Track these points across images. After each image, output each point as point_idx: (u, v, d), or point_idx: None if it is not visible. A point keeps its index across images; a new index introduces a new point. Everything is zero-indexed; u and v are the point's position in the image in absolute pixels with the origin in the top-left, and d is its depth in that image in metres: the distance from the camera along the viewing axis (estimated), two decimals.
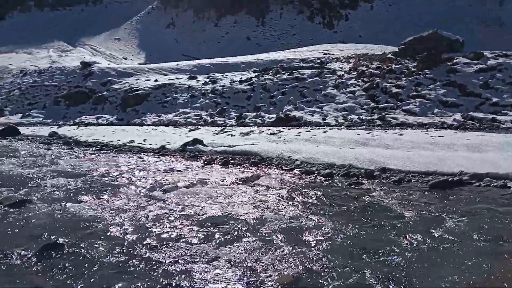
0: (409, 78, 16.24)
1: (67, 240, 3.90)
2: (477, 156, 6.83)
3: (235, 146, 9.66)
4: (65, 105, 24.79)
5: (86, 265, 3.37)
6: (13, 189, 6.02)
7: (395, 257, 3.38)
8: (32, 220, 4.53)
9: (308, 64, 22.28)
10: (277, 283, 3.00)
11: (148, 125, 18.44)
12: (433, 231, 3.92)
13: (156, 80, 23.98)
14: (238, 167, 7.82)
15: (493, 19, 44.62)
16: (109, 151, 10.61)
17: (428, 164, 6.55)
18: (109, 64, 35.13)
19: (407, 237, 3.79)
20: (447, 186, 5.59)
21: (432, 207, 4.69)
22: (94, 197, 5.54)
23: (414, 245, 3.61)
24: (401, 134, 9.66)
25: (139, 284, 3.04)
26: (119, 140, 12.45)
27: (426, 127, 11.71)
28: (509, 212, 4.39)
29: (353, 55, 22.75)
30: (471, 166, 6.18)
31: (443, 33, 18.90)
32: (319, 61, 22.76)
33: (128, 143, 11.74)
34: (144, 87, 22.87)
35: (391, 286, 2.91)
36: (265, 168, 7.63)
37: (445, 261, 3.27)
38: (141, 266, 3.36)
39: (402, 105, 14.31)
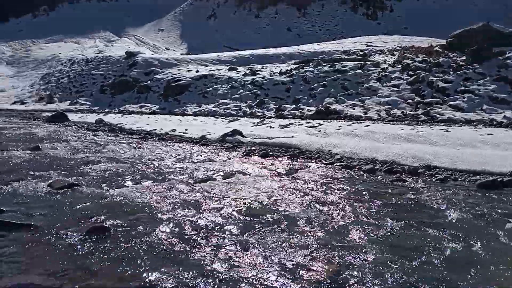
0: (457, 73, 15.58)
1: (113, 224, 4.05)
2: None
3: (274, 138, 9.66)
4: (111, 94, 25.65)
5: (130, 249, 3.49)
6: (62, 173, 6.31)
7: (437, 258, 3.28)
8: (80, 203, 4.73)
9: (350, 56, 21.86)
10: (318, 276, 2.99)
11: (189, 115, 18.77)
12: (479, 233, 3.76)
13: (197, 71, 24.33)
14: (277, 159, 7.81)
15: None
16: (152, 139, 10.89)
17: (476, 162, 6.28)
18: (152, 54, 35.95)
19: (450, 238, 3.66)
20: (496, 186, 5.34)
21: (479, 208, 4.50)
22: (139, 183, 5.71)
23: (457, 247, 3.48)
24: (447, 131, 9.31)
25: (180, 269, 3.11)
26: (161, 128, 12.75)
27: (474, 124, 11.22)
28: None
29: (398, 48, 22.09)
30: None
31: (495, 25, 17.96)
32: (361, 53, 22.28)
33: (170, 132, 12.01)
34: (186, 78, 23.26)
35: (428, 286, 2.83)
36: (304, 161, 7.59)
37: (489, 266, 3.13)
38: (182, 252, 3.44)
39: (449, 100, 13.77)
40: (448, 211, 4.42)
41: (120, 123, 14.87)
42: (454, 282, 2.90)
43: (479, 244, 3.51)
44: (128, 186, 5.57)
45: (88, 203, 4.74)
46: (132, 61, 28.93)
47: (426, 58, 18.25)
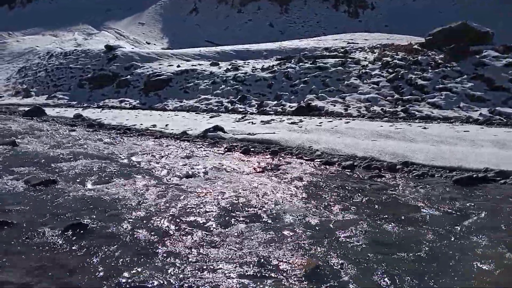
0: (436, 70, 15.86)
1: (90, 220, 4.00)
2: (504, 153, 6.66)
3: (255, 134, 9.67)
4: (89, 88, 25.20)
5: (108, 246, 3.45)
6: (39, 169, 6.18)
7: (414, 252, 3.35)
8: (58, 200, 4.65)
9: (331, 53, 21.99)
10: (296, 271, 3.02)
11: (170, 110, 18.61)
12: (455, 228, 3.86)
13: (178, 66, 24.10)
14: (258, 155, 7.83)
15: None
16: (132, 135, 10.77)
17: (452, 159, 6.43)
18: (132, 48, 35.44)
19: (427, 232, 3.75)
20: (471, 182, 5.47)
21: (454, 204, 4.61)
22: (118, 179, 5.65)
23: (434, 241, 3.57)
24: (425, 128, 9.48)
25: (159, 266, 3.10)
26: (141, 124, 12.61)
27: (451, 121, 11.46)
28: None
29: (378, 45, 22.34)
30: (497, 162, 6.03)
31: (472, 24, 18.31)
32: (343, 50, 22.44)
33: (151, 127, 11.89)
34: (167, 72, 23.03)
35: (407, 280, 2.89)
36: (285, 157, 7.63)
37: (465, 259, 3.22)
38: (160, 249, 3.42)
39: (427, 97, 14.01)
40: (425, 207, 4.51)
41: (99, 118, 14.64)
42: (431, 276, 2.97)
43: (454, 239, 3.60)
44: (106, 183, 5.50)
45: (65, 200, 4.66)
46: (112, 55, 28.47)
47: (406, 56, 18.51)
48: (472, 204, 4.58)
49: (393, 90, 15.43)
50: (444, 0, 51.77)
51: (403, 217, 4.16)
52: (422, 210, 4.41)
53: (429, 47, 18.79)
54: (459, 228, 3.84)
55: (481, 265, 3.11)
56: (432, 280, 2.91)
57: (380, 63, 18.23)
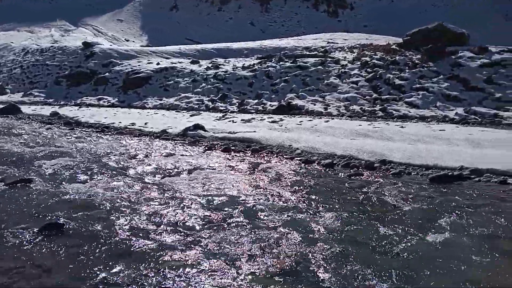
0: (413, 70, 16.16)
1: (67, 220, 3.93)
2: (478, 151, 6.84)
3: (236, 132, 9.66)
4: (67, 85, 24.71)
5: (85, 245, 3.40)
6: (15, 167, 6.04)
7: (391, 249, 3.41)
8: (33, 199, 4.55)
9: (311, 53, 22.15)
10: (274, 268, 3.04)
11: (150, 108, 18.42)
12: (431, 225, 3.94)
13: (158, 63, 23.86)
14: (239, 154, 7.83)
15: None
16: (110, 133, 10.61)
17: (429, 157, 6.56)
18: (111, 45, 34.90)
19: (405, 230, 3.82)
20: (446, 180, 5.60)
21: (431, 201, 4.72)
22: (96, 178, 5.56)
23: (411, 238, 3.64)
24: (402, 127, 9.65)
25: (136, 266, 3.07)
26: (120, 122, 12.44)
27: (428, 120, 11.69)
28: (508, 208, 4.41)
29: (357, 45, 22.61)
30: (472, 161, 6.18)
31: (449, 25, 18.71)
32: (322, 49, 22.63)
33: (130, 125, 11.74)
34: (146, 70, 22.77)
35: (385, 277, 2.94)
36: (265, 155, 7.65)
37: (442, 256, 3.30)
38: (138, 248, 3.39)
39: (405, 97, 14.26)
40: (402, 204, 4.60)
41: (77, 116, 14.37)
42: (409, 273, 3.03)
43: (430, 236, 3.68)
44: (84, 182, 5.41)
45: (41, 199, 4.57)
46: (90, 52, 27.98)
47: (384, 56, 18.79)
48: (448, 201, 4.69)
49: (372, 90, 15.64)
50: (422, 2, 52.71)
51: (381, 215, 4.23)
52: (399, 207, 4.49)
53: (407, 48, 19.12)
54: (435, 225, 3.92)
55: (458, 262, 3.18)
56: (411, 277, 2.96)
57: (359, 63, 18.45)
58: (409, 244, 3.50)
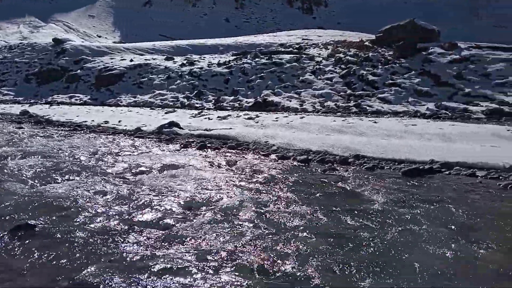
0: (385, 67, 16.47)
1: (38, 221, 3.84)
2: (448, 145, 7.05)
3: (212, 129, 9.63)
4: (37, 83, 24.05)
5: (57, 247, 3.33)
6: None
7: (366, 241, 3.48)
8: (3, 200, 4.42)
9: (287, 49, 22.25)
10: (250, 265, 3.06)
11: (123, 106, 18.12)
12: (403, 217, 4.04)
13: (131, 60, 23.48)
14: (215, 151, 7.81)
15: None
16: (82, 132, 10.39)
17: (401, 152, 6.71)
18: (82, 42, 34.13)
19: (378, 223, 3.90)
20: (418, 173, 5.75)
21: (403, 194, 4.83)
22: (68, 178, 5.45)
23: (384, 230, 3.72)
24: (375, 122, 9.83)
25: (110, 266, 3.03)
26: (93, 120, 12.21)
27: (401, 115, 11.95)
28: (476, 200, 4.57)
29: (331, 42, 22.84)
30: (442, 154, 6.36)
31: (420, 22, 19.13)
32: (297, 46, 22.76)
33: (103, 123, 11.53)
34: (119, 67, 22.38)
35: (361, 269, 3.00)
36: (242, 152, 7.66)
37: (414, 247, 3.39)
38: (112, 248, 3.35)
39: (378, 93, 14.53)
40: (376, 198, 4.69)
41: (48, 115, 14.01)
42: (383, 265, 3.10)
43: (404, 228, 3.78)
44: (55, 182, 5.29)
45: (12, 200, 4.45)
46: (60, 48, 27.28)
47: (357, 52, 19.07)
48: (419, 194, 4.82)
49: (346, 86, 15.86)
50: None
51: (355, 209, 4.31)
52: (373, 201, 4.58)
53: (379, 44, 19.46)
54: (407, 218, 4.03)
55: (428, 251, 3.28)
56: (384, 270, 3.03)
57: (333, 60, 18.66)
58: (383, 237, 3.58)
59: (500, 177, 5.42)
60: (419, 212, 4.19)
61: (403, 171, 5.86)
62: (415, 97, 13.85)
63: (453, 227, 3.79)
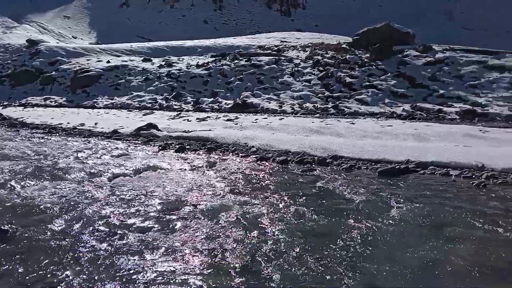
0: (362, 69, 16.72)
1: (12, 226, 3.74)
2: (423, 145, 7.20)
3: (191, 131, 9.57)
4: (10, 85, 23.43)
5: (30, 252, 3.26)
6: None
7: (344, 240, 3.53)
8: None
9: (265, 51, 22.34)
10: (230, 266, 3.05)
11: (100, 108, 17.84)
12: (380, 216, 4.11)
13: (108, 61, 23.13)
14: (194, 153, 7.77)
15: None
16: (57, 134, 10.18)
17: (377, 152, 6.82)
18: (57, 43, 33.46)
19: (355, 221, 3.96)
20: (394, 173, 5.85)
21: (380, 194, 4.91)
22: (42, 182, 5.32)
23: (362, 229, 3.78)
24: (353, 123, 9.96)
25: (84, 270, 2.98)
26: (68, 123, 11.97)
27: (377, 116, 12.14)
28: (450, 199, 4.68)
29: (309, 44, 23.04)
30: (417, 154, 6.49)
31: (395, 25, 19.52)
32: (276, 48, 22.87)
33: (79, 126, 11.32)
34: (96, 68, 22.02)
35: (338, 268, 3.04)
36: (221, 154, 7.64)
37: (390, 245, 3.45)
38: (88, 254, 3.29)
39: (355, 94, 14.73)
40: (353, 197, 4.75)
41: (22, 117, 13.67)
42: (361, 264, 3.14)
43: (380, 228, 3.84)
44: (30, 186, 5.16)
45: None
46: (35, 49, 26.67)
47: (335, 54, 19.31)
48: (395, 193, 4.91)
49: (324, 88, 16.03)
50: (371, 2, 54.53)
51: (333, 208, 4.35)
52: (350, 200, 4.64)
53: (356, 46, 19.74)
54: (383, 217, 4.09)
55: (402, 248, 3.34)
56: (361, 268, 3.08)
57: (311, 62, 18.84)
58: (361, 236, 3.63)
59: (473, 176, 5.57)
60: (395, 211, 4.27)
61: (379, 171, 5.95)
62: (392, 99, 14.11)
63: (428, 225, 3.88)
